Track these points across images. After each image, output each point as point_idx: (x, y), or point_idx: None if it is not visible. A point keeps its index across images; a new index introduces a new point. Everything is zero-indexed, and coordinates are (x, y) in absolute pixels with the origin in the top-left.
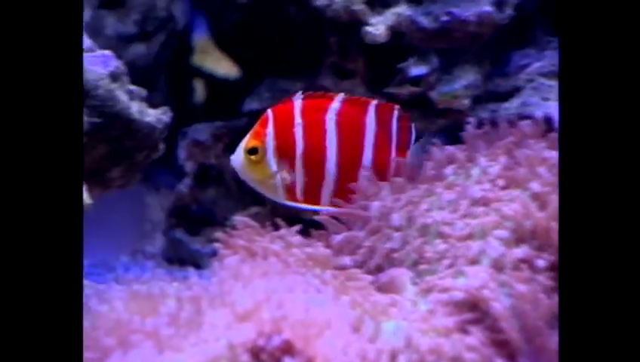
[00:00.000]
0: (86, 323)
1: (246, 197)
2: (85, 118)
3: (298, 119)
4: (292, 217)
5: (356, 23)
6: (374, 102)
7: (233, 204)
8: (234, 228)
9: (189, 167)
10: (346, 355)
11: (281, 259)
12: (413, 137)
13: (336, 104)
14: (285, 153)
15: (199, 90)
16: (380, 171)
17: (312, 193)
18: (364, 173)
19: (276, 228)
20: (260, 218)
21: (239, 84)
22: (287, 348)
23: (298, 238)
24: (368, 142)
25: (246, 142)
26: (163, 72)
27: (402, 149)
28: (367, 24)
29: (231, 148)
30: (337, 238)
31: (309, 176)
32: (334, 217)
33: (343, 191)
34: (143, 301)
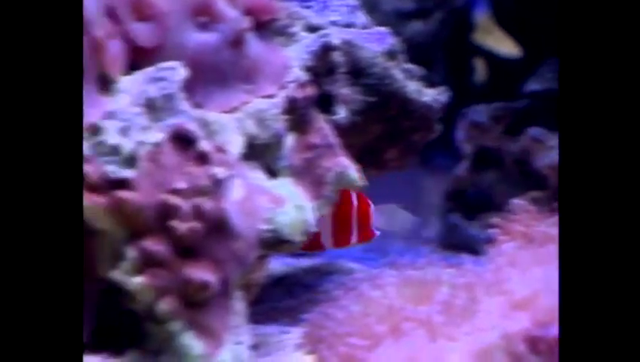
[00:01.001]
0: (357, 308)
1: (526, 180)
2: (360, 97)
3: None
4: None
5: None
6: None
7: (512, 187)
8: (512, 212)
9: (467, 149)
10: None
11: None
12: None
13: None
14: None
15: (479, 69)
16: (345, 221)
17: None
18: None
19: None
20: (539, 202)
21: (520, 64)
22: None
23: None
24: None
25: None
26: (441, 50)
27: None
28: None
29: (511, 130)
30: None
31: None
32: None
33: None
34: (416, 287)
